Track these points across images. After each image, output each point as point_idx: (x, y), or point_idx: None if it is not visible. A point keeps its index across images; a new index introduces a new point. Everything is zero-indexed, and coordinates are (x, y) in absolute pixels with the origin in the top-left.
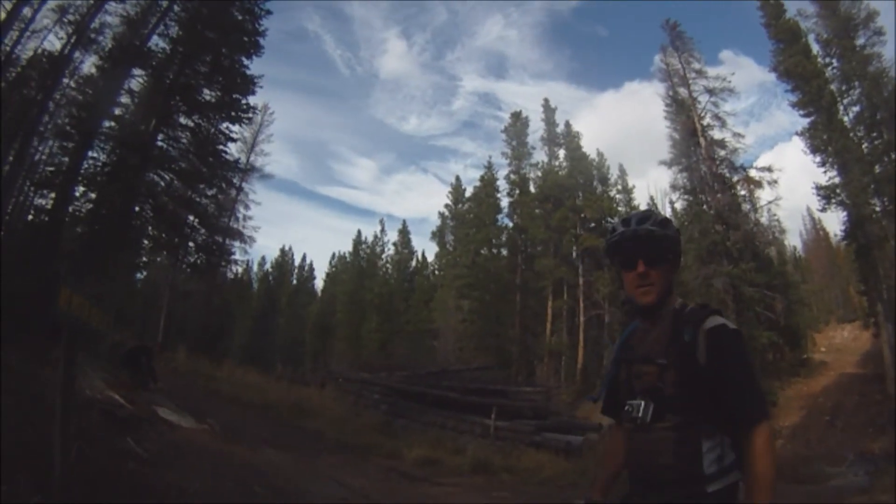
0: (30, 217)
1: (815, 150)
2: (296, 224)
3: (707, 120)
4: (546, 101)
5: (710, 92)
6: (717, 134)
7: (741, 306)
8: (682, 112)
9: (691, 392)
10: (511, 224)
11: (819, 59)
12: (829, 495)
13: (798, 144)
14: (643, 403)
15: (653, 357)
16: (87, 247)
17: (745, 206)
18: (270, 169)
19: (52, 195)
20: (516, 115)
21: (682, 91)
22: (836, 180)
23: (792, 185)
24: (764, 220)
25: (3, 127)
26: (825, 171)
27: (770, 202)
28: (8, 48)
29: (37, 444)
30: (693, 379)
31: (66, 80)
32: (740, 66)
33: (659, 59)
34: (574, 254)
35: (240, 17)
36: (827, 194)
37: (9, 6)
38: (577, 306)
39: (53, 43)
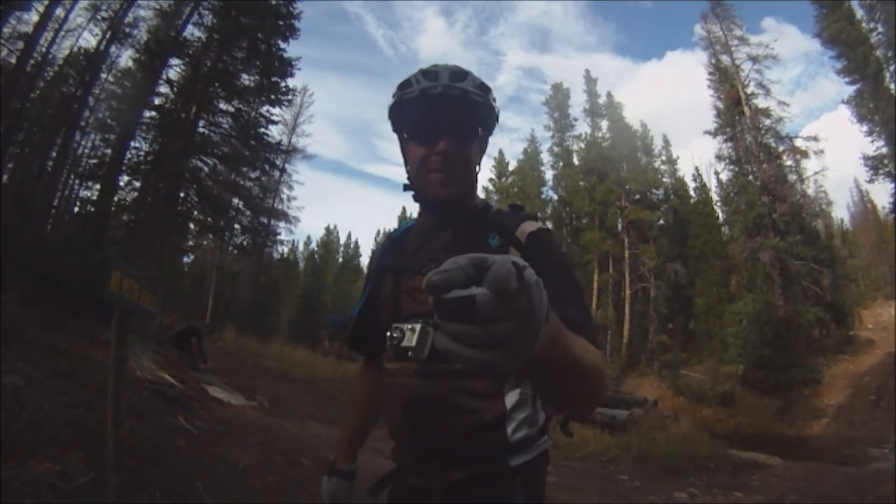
0: (76, 208)
1: (861, 118)
2: (342, 202)
3: (751, 88)
4: (587, 71)
5: (754, 59)
6: (761, 102)
7: (787, 280)
8: (726, 80)
9: None
10: (556, 197)
11: (863, 25)
12: (868, 478)
13: (845, 113)
14: (419, 328)
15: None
16: (134, 233)
17: (792, 177)
18: (316, 149)
19: (97, 186)
20: (557, 87)
21: (725, 59)
22: (884, 150)
23: (839, 156)
24: (811, 191)
25: (45, 123)
26: (872, 141)
27: (817, 173)
28: (43, 48)
29: (89, 422)
30: None
31: (103, 75)
32: (783, 33)
33: (700, 26)
34: (619, 226)
35: (273, 2)
36: (874, 165)
37: (41, 8)
38: (623, 280)
39: (89, 40)
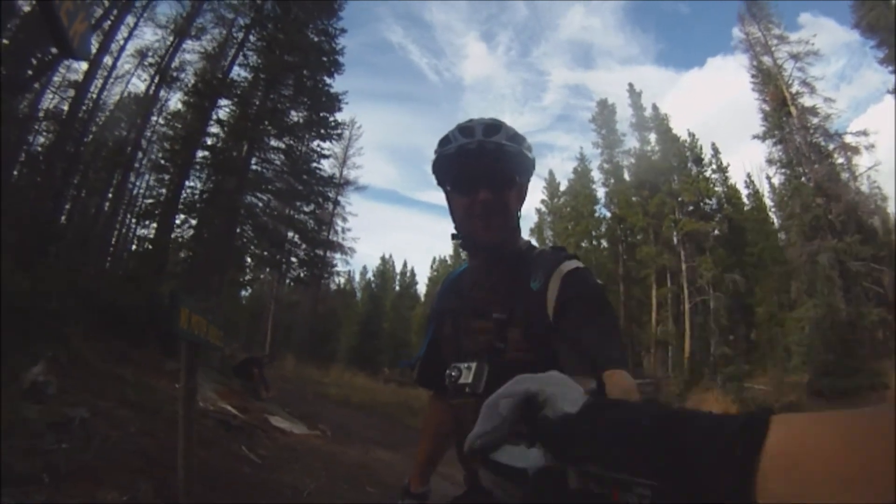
0: (133, 246)
1: None
2: (397, 231)
3: (795, 87)
4: (630, 85)
5: (795, 57)
6: (807, 101)
7: (848, 282)
8: (769, 81)
9: (540, 355)
10: (609, 214)
11: None
12: None
13: (892, 103)
14: (475, 366)
15: (488, 309)
16: (192, 269)
17: (845, 175)
18: (369, 180)
19: (154, 225)
20: (603, 103)
21: (766, 60)
22: None
23: (890, 148)
24: (865, 188)
25: (100, 166)
26: None
27: (869, 168)
28: (94, 95)
29: (156, 451)
30: (541, 338)
31: (154, 118)
32: (822, 27)
33: (738, 29)
34: (675, 239)
35: (316, 39)
36: None
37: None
38: (682, 293)
39: (138, 85)
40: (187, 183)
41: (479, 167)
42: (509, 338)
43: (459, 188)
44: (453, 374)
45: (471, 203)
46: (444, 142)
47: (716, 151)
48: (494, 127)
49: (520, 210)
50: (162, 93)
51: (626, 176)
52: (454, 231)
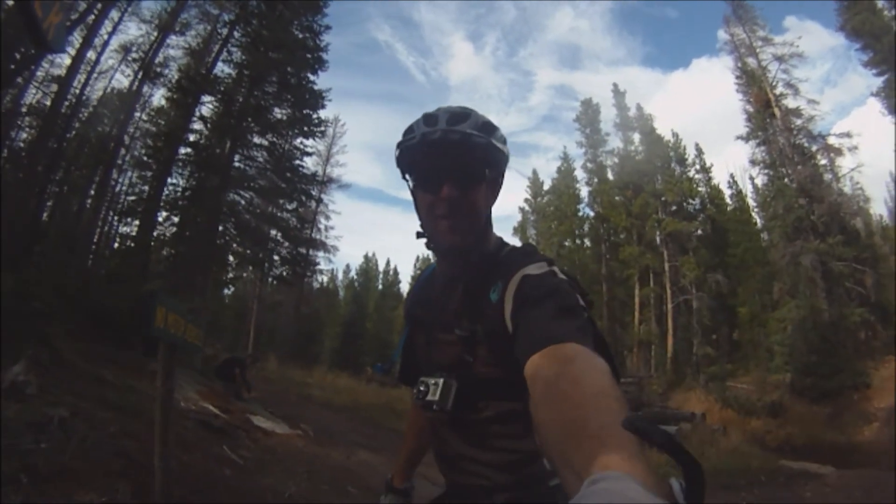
0: (116, 244)
1: (891, 110)
2: (381, 230)
3: (780, 89)
4: (615, 85)
5: (780, 59)
6: (791, 103)
7: (830, 283)
8: (754, 83)
9: (509, 371)
10: (592, 213)
11: (886, 13)
12: None
13: (875, 106)
14: (442, 383)
15: (452, 324)
16: (176, 266)
17: (827, 177)
18: (354, 179)
19: (136, 222)
20: (587, 103)
21: (751, 61)
22: None
23: (872, 151)
24: (847, 189)
25: (82, 163)
26: None
27: (852, 170)
28: (77, 90)
29: (136, 453)
30: (508, 353)
31: (137, 114)
32: (807, 31)
33: (723, 31)
34: (658, 239)
35: (300, 36)
36: None
37: (73, 51)
38: (665, 293)
39: (121, 81)
40: (170, 180)
41: (442, 160)
42: (477, 353)
43: (423, 183)
44: (421, 388)
45: (434, 200)
46: (407, 132)
47: (699, 152)
48: (461, 115)
49: (490, 208)
50: (145, 88)
51: (610, 176)
52: (419, 230)
